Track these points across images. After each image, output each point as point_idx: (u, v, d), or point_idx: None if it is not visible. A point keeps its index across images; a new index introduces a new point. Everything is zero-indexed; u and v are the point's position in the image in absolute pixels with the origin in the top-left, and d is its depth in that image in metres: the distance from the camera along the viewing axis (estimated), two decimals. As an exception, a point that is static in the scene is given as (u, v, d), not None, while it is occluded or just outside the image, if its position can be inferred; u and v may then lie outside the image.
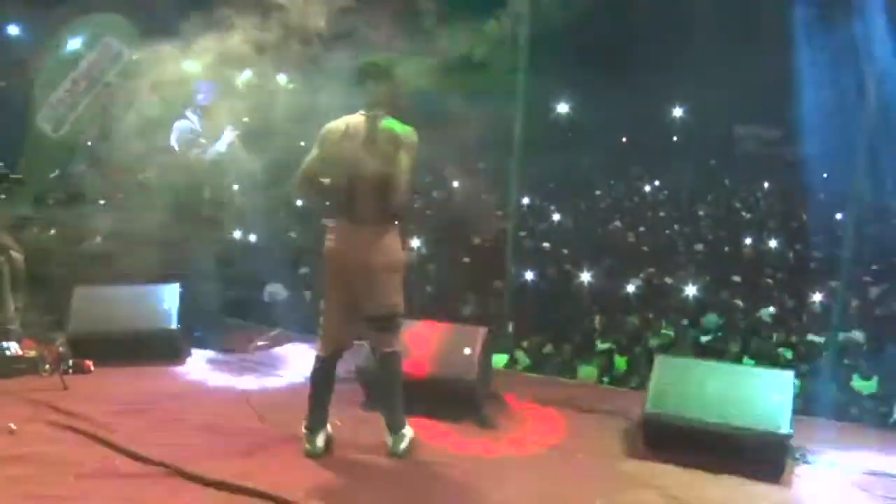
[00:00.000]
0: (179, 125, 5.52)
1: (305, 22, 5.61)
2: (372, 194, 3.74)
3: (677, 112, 20.20)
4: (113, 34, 7.30)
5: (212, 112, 5.61)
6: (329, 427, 4.00)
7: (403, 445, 3.91)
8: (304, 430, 3.95)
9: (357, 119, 3.84)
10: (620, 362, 6.51)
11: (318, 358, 3.98)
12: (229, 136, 5.52)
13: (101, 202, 8.70)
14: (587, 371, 6.17)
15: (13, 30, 7.49)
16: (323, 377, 3.96)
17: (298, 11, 5.59)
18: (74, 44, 7.33)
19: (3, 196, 4.69)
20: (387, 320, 3.86)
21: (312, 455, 3.90)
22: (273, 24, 5.59)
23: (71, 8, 7.29)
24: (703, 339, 7.52)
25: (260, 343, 5.90)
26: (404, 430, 3.95)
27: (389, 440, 3.93)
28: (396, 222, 3.85)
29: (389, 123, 3.78)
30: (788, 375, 4.18)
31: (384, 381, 3.97)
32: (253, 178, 6.48)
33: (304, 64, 5.86)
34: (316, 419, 3.94)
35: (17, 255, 5.15)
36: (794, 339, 7.81)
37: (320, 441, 3.93)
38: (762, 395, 4.09)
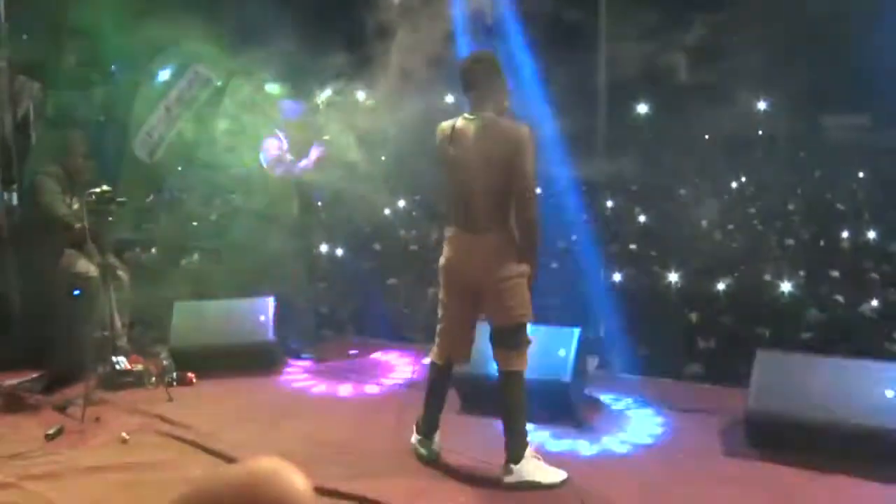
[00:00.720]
0: (268, 143, 5.69)
1: None
2: (486, 202, 3.55)
3: (762, 105, 19.64)
4: (202, 62, 7.57)
5: (299, 129, 5.76)
6: (438, 435, 3.96)
7: (509, 480, 3.62)
8: (415, 435, 3.97)
9: (462, 123, 3.63)
10: (718, 361, 6.33)
11: (432, 364, 3.93)
12: (316, 152, 5.65)
13: (195, 224, 9.04)
14: (688, 369, 6.01)
15: (113, 68, 7.87)
16: (436, 384, 3.92)
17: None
18: (165, 74, 7.63)
19: (110, 218, 4.91)
20: (510, 333, 3.64)
21: (425, 460, 3.90)
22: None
23: (163, 39, 7.59)
24: (805, 335, 7.23)
25: (352, 352, 6.01)
26: (519, 466, 3.62)
27: (502, 467, 3.68)
28: (517, 232, 3.59)
29: (500, 124, 3.57)
30: (903, 368, 3.97)
31: (501, 403, 3.71)
32: (339, 194, 6.62)
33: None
34: (428, 425, 3.93)
35: (122, 275, 5.39)
36: (900, 332, 7.42)
37: (434, 445, 3.93)
38: (874, 389, 3.89)
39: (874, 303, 8.58)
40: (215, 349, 5.39)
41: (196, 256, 6.17)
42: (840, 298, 8.75)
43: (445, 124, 3.72)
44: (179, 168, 9.53)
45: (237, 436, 4.28)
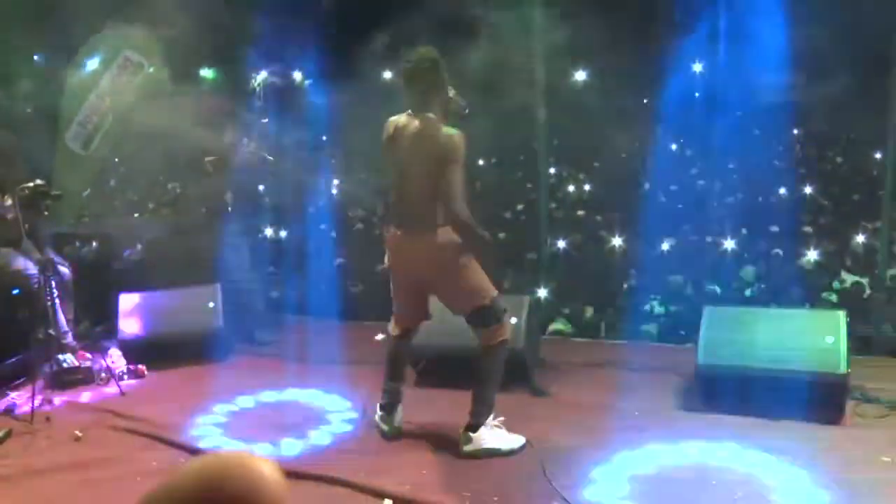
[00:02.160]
0: None
1: None
2: (420, 201, 3.59)
3: (697, 67, 19.93)
4: (131, 48, 7.33)
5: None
6: (401, 409, 3.98)
7: (468, 448, 3.67)
8: (378, 410, 3.97)
9: (404, 120, 3.66)
10: (669, 320, 6.47)
11: (390, 337, 4.00)
12: (248, 144, 5.57)
13: (136, 215, 8.84)
14: (641, 329, 6.13)
15: (36, 58, 7.57)
16: (395, 356, 3.97)
17: None
18: (94, 62, 7.37)
19: (46, 213, 4.76)
20: (481, 315, 3.67)
21: (388, 435, 3.92)
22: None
23: (89, 28, 7.32)
24: (746, 292, 7.42)
25: (305, 333, 5.97)
26: (477, 434, 3.66)
27: (461, 436, 3.71)
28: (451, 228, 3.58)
29: (435, 129, 3.57)
30: (840, 315, 4.10)
31: (477, 370, 3.75)
32: (278, 178, 6.53)
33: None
34: (391, 398, 3.95)
35: (64, 270, 5.24)
36: (835, 282, 7.67)
37: (396, 420, 3.95)
38: (815, 337, 4.04)
39: (812, 256, 8.86)
40: (165, 339, 5.30)
41: (139, 247, 6.02)
42: (780, 252, 9.02)
43: (392, 120, 3.73)
44: (116, 160, 9.28)
45: (194, 425, 4.23)
